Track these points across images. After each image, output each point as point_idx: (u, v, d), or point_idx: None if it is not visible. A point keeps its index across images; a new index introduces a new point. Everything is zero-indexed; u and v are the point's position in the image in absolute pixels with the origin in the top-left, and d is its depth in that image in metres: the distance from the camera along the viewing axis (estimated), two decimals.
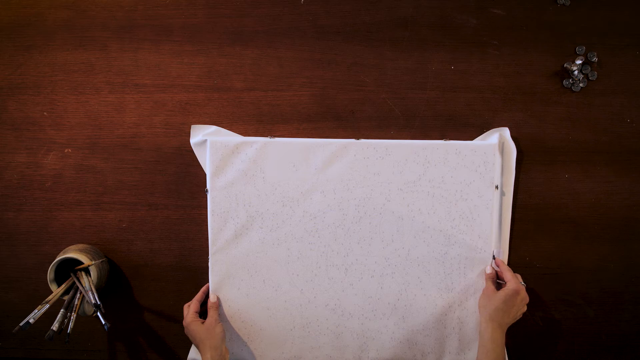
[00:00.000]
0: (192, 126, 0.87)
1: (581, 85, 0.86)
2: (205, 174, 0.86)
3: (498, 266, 0.84)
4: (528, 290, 0.87)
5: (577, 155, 0.87)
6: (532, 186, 0.87)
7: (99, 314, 0.79)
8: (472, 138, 0.87)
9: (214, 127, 0.87)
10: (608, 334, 0.89)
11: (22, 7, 0.88)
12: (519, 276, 0.82)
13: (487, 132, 0.87)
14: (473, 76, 0.87)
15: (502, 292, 0.79)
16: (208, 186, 0.85)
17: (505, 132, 0.86)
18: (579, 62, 0.84)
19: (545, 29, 0.87)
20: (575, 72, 0.85)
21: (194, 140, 0.86)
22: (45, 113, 0.88)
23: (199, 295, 0.85)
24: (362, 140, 0.85)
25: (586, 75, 0.87)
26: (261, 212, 0.86)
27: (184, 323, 0.81)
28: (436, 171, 0.85)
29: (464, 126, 0.87)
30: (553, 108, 0.87)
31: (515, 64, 0.87)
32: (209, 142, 0.85)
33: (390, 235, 0.86)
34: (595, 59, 0.86)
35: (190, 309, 0.82)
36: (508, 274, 0.81)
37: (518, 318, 0.81)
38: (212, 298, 0.85)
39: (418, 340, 0.86)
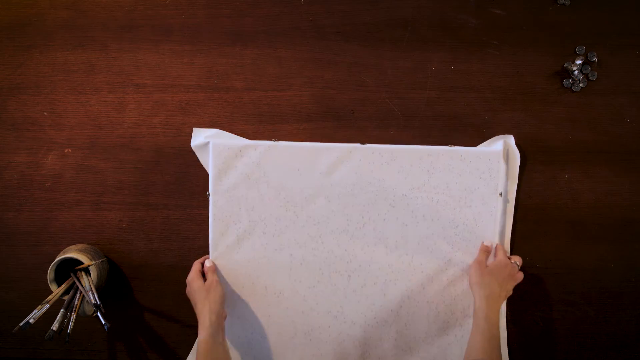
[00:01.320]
0: (194, 129, 0.86)
1: (581, 85, 0.86)
2: (206, 174, 0.86)
3: (496, 249, 0.84)
4: (528, 288, 0.87)
5: (577, 155, 0.87)
6: (532, 186, 0.87)
7: (99, 314, 0.78)
8: (472, 138, 0.87)
9: (215, 130, 0.86)
10: (608, 334, 0.89)
11: (22, 7, 0.87)
12: (518, 258, 0.82)
13: (491, 139, 0.86)
14: (473, 76, 0.87)
15: (492, 264, 0.81)
16: (210, 190, 0.85)
17: (510, 139, 0.85)
18: (579, 62, 0.84)
19: (545, 29, 0.87)
20: (575, 72, 0.85)
21: (195, 143, 0.85)
22: (45, 113, 0.88)
23: (201, 259, 0.85)
24: (367, 145, 0.84)
25: (586, 75, 0.86)
26: (264, 217, 0.84)
27: (188, 279, 0.80)
28: (441, 177, 0.84)
29: (464, 126, 0.87)
30: (553, 108, 0.87)
31: (515, 64, 0.87)
32: (211, 145, 0.84)
33: (394, 242, 0.85)
34: (595, 59, 0.86)
35: (194, 266, 0.82)
36: (500, 252, 0.82)
37: (509, 293, 0.80)
38: (207, 263, 0.84)
39: (421, 348, 0.85)
